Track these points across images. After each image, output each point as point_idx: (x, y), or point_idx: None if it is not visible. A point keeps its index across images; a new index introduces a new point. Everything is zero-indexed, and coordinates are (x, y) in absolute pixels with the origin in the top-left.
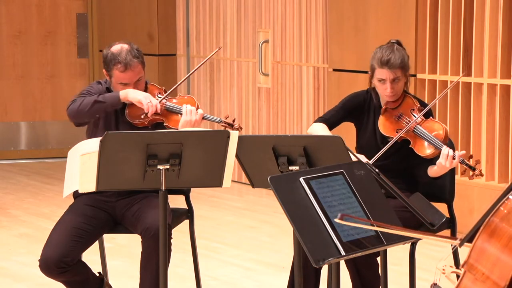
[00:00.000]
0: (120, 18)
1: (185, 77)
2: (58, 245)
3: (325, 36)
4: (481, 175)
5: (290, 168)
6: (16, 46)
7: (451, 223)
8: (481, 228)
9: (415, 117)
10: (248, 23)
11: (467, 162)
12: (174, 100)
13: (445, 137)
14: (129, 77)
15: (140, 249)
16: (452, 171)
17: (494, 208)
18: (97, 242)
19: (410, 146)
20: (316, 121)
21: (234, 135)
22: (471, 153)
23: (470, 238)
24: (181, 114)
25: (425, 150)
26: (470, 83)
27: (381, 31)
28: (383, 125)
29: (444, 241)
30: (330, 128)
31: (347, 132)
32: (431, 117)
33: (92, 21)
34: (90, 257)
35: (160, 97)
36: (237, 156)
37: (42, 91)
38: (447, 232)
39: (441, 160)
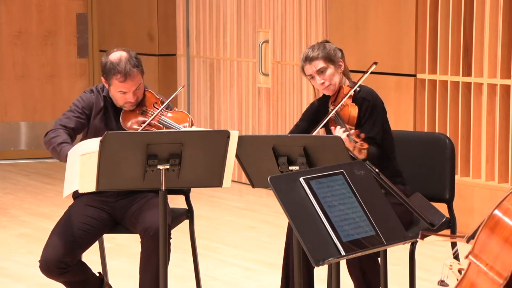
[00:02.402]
0: (120, 18)
1: (165, 103)
2: (58, 246)
3: (325, 36)
4: (363, 147)
5: (290, 168)
6: (16, 46)
7: (451, 223)
8: (485, 221)
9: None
10: (248, 23)
11: (352, 138)
12: (169, 115)
13: (349, 119)
14: (128, 86)
15: (140, 249)
16: (452, 171)
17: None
18: (97, 242)
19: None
20: None
21: (234, 135)
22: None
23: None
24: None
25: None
26: (470, 83)
27: (381, 31)
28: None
29: (454, 240)
30: None
31: None
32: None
33: (92, 21)
34: (90, 257)
35: (157, 108)
36: (237, 156)
37: (42, 91)
38: (447, 232)
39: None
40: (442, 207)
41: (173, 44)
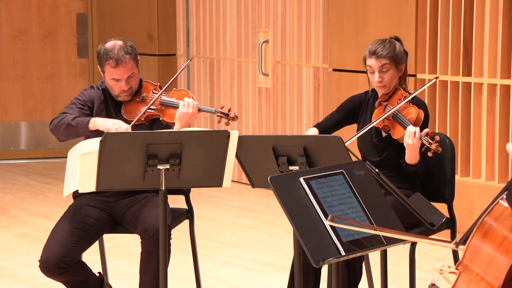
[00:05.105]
0: (120, 18)
1: (174, 76)
2: (58, 245)
3: (325, 36)
4: (438, 150)
5: (290, 168)
6: (16, 46)
7: (451, 223)
8: (475, 228)
9: (398, 105)
10: (248, 23)
11: (426, 138)
12: (169, 96)
13: (416, 119)
14: (120, 72)
15: (140, 249)
16: (452, 171)
17: (489, 208)
18: (97, 242)
19: (389, 132)
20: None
21: (234, 135)
22: (430, 131)
23: (465, 239)
24: (177, 107)
25: (399, 133)
26: (470, 83)
27: (381, 31)
28: (374, 117)
29: (439, 245)
30: (322, 133)
31: (348, 132)
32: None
33: (92, 21)
34: (90, 257)
35: (156, 93)
36: (237, 156)
37: (42, 91)
38: (447, 232)
39: (405, 139)
40: (442, 207)
41: (173, 44)
